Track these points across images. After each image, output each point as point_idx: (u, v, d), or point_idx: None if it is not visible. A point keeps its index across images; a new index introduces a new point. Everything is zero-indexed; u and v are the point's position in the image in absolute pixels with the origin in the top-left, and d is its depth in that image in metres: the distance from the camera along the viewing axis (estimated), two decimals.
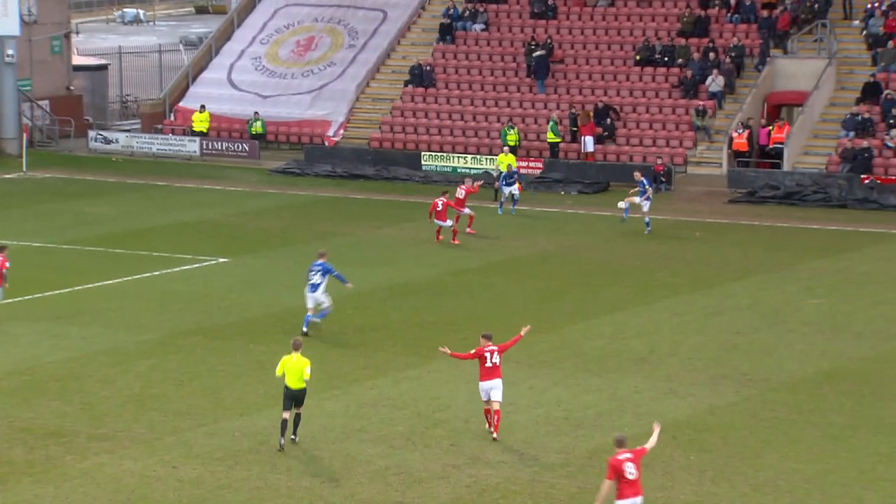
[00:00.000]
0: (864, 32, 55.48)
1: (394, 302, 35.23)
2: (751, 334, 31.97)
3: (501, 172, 48.39)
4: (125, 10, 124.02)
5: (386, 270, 38.83)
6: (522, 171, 51.62)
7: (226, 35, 65.55)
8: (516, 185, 47.16)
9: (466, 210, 43.36)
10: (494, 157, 53.90)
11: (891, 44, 54.25)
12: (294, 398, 24.18)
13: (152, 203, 50.16)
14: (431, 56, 61.07)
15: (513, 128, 55.48)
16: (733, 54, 55.97)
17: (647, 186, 43.66)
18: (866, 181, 49.49)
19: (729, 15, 58.07)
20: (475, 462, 23.61)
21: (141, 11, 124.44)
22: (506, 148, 52.59)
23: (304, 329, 31.36)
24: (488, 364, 24.75)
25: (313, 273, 31.56)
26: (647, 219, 43.54)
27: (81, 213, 48.04)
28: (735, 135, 53.25)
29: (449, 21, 61.78)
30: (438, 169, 55.25)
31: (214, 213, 48.12)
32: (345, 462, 23.65)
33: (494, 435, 24.43)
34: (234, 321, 33.30)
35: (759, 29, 56.64)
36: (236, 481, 22.79)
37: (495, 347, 25.15)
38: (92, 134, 61.69)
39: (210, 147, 59.53)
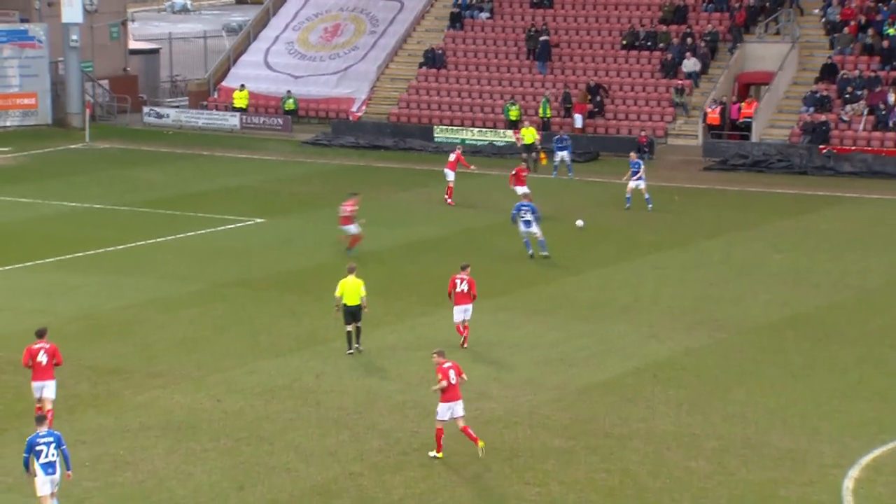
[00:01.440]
0: (823, 19, 55.01)
1: (410, 257, 35.18)
2: (722, 285, 31.86)
3: (525, 144, 48.33)
4: (175, 0, 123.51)
5: (403, 230, 38.76)
6: (523, 142, 51.37)
7: (262, 22, 65.25)
8: (566, 152, 46.80)
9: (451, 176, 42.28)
10: (498, 130, 53.73)
11: (846, 30, 53.80)
12: (352, 314, 25.86)
13: (199, 170, 50.06)
14: (443, 41, 60.73)
15: (514, 104, 55.20)
16: (708, 39, 55.56)
17: (640, 166, 41.35)
18: (824, 151, 49.17)
19: (705, 4, 57.59)
20: (481, 397, 23.61)
21: (188, 1, 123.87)
22: (527, 122, 52.24)
23: (530, 252, 33.86)
24: (459, 290, 26.59)
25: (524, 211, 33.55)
26: (646, 195, 40.68)
27: (137, 178, 47.95)
28: (709, 110, 52.91)
29: (458, 10, 61.38)
30: (448, 140, 55.03)
31: (252, 180, 48.02)
32: (367, 397, 23.68)
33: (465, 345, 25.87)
34: (270, 274, 33.29)
35: (731, 17, 56.17)
36: (273, 413, 22.85)
37: (467, 278, 26.53)
38: (146, 110, 61.51)
39: (249, 121, 59.36)
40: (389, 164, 51.54)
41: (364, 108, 59.65)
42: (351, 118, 58.90)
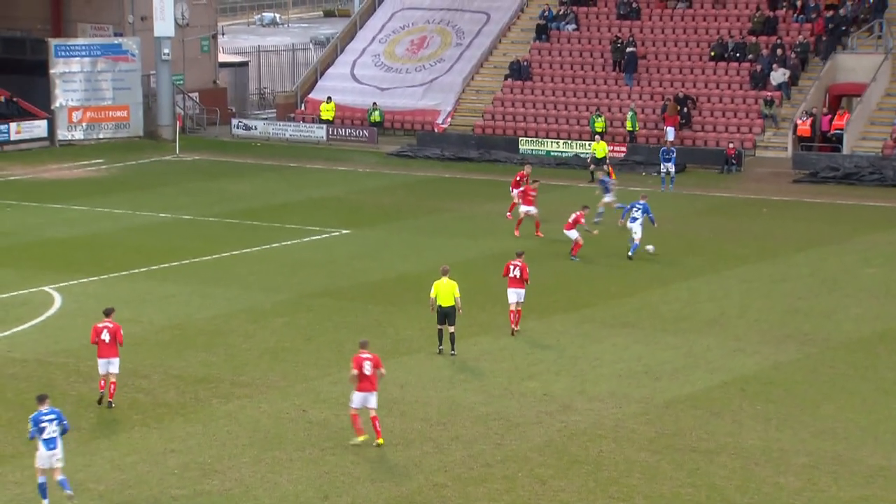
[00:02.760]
0: None
1: (494, 268, 35.10)
2: (812, 299, 31.39)
3: (597, 157, 48.25)
4: (264, 14, 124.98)
5: (487, 241, 38.75)
6: (609, 154, 51.16)
7: (349, 35, 65.77)
8: (671, 163, 46.63)
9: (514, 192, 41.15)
10: (584, 142, 53.54)
11: None
12: (445, 315, 26.41)
13: (285, 182, 50.55)
14: (528, 53, 60.69)
15: (600, 116, 55.00)
16: (798, 50, 54.83)
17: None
18: None
19: (795, 15, 56.86)
20: (565, 410, 23.50)
21: (277, 15, 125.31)
22: (597, 136, 52.26)
23: (630, 254, 34.85)
24: (511, 275, 27.56)
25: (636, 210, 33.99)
26: (600, 209, 39.45)
27: (225, 190, 48.56)
28: (799, 122, 52.20)
29: (544, 22, 61.31)
30: (534, 152, 55.00)
31: (338, 191, 48.37)
32: (451, 408, 23.69)
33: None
34: (355, 284, 33.48)
35: (825, 27, 55.37)
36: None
37: (520, 264, 27.18)
38: (234, 122, 62.29)
39: (335, 133, 59.83)
40: (474, 176, 51.57)
41: (449, 119, 59.80)
42: (436, 130, 59.09)
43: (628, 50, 57.25)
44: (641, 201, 36.07)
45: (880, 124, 51.82)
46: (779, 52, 54.90)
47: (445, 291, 26.45)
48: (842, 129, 51.50)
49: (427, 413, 23.41)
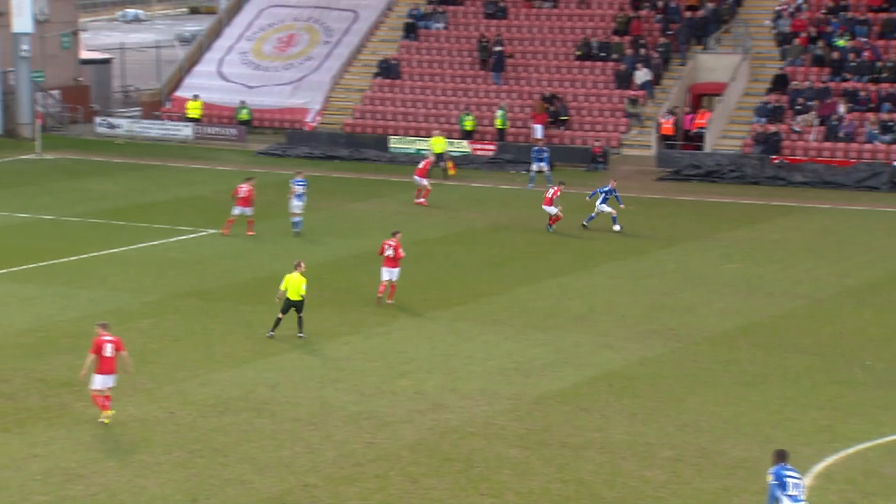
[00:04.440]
0: (774, 31, 55.57)
1: (365, 268, 35.10)
2: (676, 295, 32.05)
3: (435, 153, 48.50)
4: (127, 10, 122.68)
5: (358, 240, 38.68)
6: (478, 153, 51.60)
7: (216, 33, 64.98)
8: (545, 163, 47.11)
9: (425, 181, 43.42)
10: (454, 140, 53.79)
11: (797, 41, 54.37)
12: (293, 306, 27.34)
13: (151, 181, 49.72)
14: (397, 51, 60.77)
15: (469, 114, 55.37)
16: (661, 50, 55.96)
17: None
18: (776, 161, 49.65)
19: (657, 16, 58.01)
20: (437, 408, 23.58)
21: (141, 11, 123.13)
22: (437, 131, 52.53)
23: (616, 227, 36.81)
24: (386, 254, 28.87)
25: None
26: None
27: (89, 189, 47.55)
28: (663, 121, 53.27)
29: (413, 20, 61.47)
30: (403, 151, 55.11)
31: (206, 190, 47.76)
32: (322, 408, 23.58)
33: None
34: (225, 285, 33.11)
35: (684, 28, 56.60)
36: (227, 425, 22.69)
37: (395, 244, 28.49)
38: (98, 120, 61.05)
39: (202, 132, 59.09)
40: (344, 175, 51.44)
41: (318, 118, 59.53)
42: (305, 128, 58.76)
43: (496, 49, 57.73)
44: (609, 186, 39.23)
45: (740, 123, 53.21)
46: (641, 51, 55.95)
47: (294, 286, 27.26)
48: (703, 128, 52.72)
49: (298, 413, 23.27)
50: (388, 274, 30.36)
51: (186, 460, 21.08)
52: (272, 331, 27.73)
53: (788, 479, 17.15)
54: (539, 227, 40.69)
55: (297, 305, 27.47)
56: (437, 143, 49.97)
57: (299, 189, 39.00)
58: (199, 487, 20.09)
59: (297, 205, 38.92)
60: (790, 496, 17.09)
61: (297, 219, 38.95)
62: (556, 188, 39.79)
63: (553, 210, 39.25)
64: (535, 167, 47.57)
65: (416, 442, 21.87)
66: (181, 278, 33.75)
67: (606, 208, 39.36)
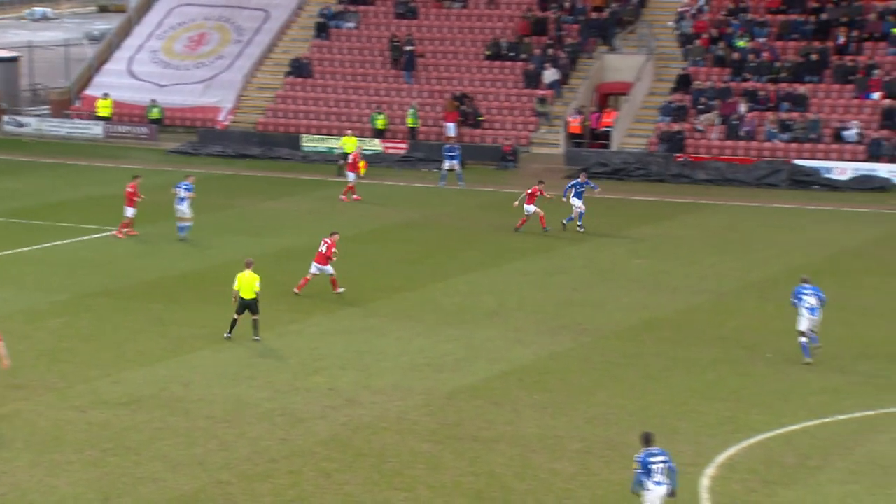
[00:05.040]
0: (677, 32, 56.38)
1: (278, 266, 34.91)
2: (585, 290, 32.37)
3: (346, 153, 48.45)
4: (35, 8, 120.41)
5: (271, 239, 38.46)
6: (390, 151, 51.64)
7: (126, 31, 64.17)
8: (456, 161, 47.10)
9: (351, 176, 44.01)
10: (365, 139, 53.73)
11: (698, 42, 55.21)
12: (247, 306, 26.88)
13: (61, 180, 48.92)
14: (309, 51, 60.53)
15: (381, 113, 55.36)
16: (569, 50, 56.46)
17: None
18: (680, 159, 50.38)
19: (564, 16, 58.50)
20: (350, 404, 23.56)
21: (49, 10, 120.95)
22: (349, 131, 52.50)
23: (567, 221, 38.24)
24: (319, 250, 28.49)
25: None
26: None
27: None
28: (571, 119, 53.76)
29: (324, 20, 61.27)
30: (316, 149, 54.95)
31: (117, 189, 46.94)
32: (236, 405, 23.42)
33: None
34: (136, 283, 32.71)
35: (589, 29, 57.18)
36: (139, 423, 22.44)
37: (329, 242, 28.75)
38: (6, 118, 59.97)
39: (113, 130, 58.37)
40: (257, 173, 51.10)
41: (231, 117, 59.06)
42: (217, 127, 58.26)
43: (407, 49, 57.77)
44: (579, 179, 39.55)
45: (645, 122, 53.89)
46: (550, 51, 56.39)
47: (247, 284, 26.81)
48: (610, 127, 53.30)
49: (212, 411, 23.09)
50: (316, 268, 30.58)
51: (98, 459, 20.81)
52: (229, 332, 27.14)
53: (653, 465, 17.38)
54: (452, 225, 40.82)
55: (252, 305, 26.90)
56: (348, 143, 49.92)
57: (181, 192, 37.48)
58: (112, 486, 19.84)
59: (179, 209, 37.45)
60: (655, 482, 17.35)
61: (181, 224, 37.44)
62: (535, 187, 39.36)
63: (532, 209, 38.82)
64: (446, 165, 47.73)
65: (330, 437, 21.83)
66: (92, 277, 33.28)
67: (578, 203, 39.05)
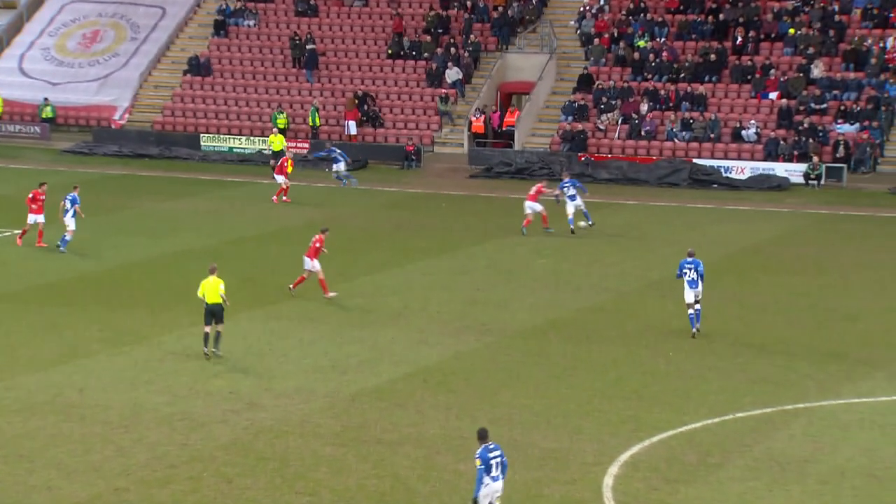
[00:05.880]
0: (578, 31, 56.93)
1: (177, 267, 34.49)
2: (489, 290, 32.51)
3: (273, 151, 48.15)
4: None
5: (170, 240, 37.97)
6: (291, 150, 51.29)
7: (16, 28, 62.91)
8: (342, 164, 47.17)
9: (280, 179, 43.83)
10: (266, 139, 53.38)
11: (599, 41, 55.82)
12: (213, 313, 25.74)
13: None
14: (207, 48, 59.91)
15: (282, 112, 55.02)
16: (470, 49, 56.67)
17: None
18: (582, 158, 50.88)
19: (466, 15, 58.72)
20: (252, 407, 23.35)
21: None
22: (275, 129, 52.41)
23: (573, 226, 36.76)
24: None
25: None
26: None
27: None
28: (473, 119, 53.97)
29: (222, 17, 60.70)
30: (216, 149, 54.42)
31: (9, 189, 46.11)
32: (133, 410, 23.07)
33: None
34: (29, 286, 32.04)
35: (491, 28, 57.48)
36: (32, 430, 21.99)
37: (317, 237, 28.73)
38: None
39: (3, 130, 57.13)
40: (154, 173, 50.43)
41: (127, 115, 58.21)
42: (113, 126, 57.36)
43: (308, 47, 57.50)
44: (567, 179, 39.29)
45: (548, 121, 54.34)
46: (452, 50, 56.56)
47: (212, 289, 25.91)
48: (513, 126, 53.62)
49: (108, 416, 22.71)
50: (308, 265, 30.56)
51: None
52: (206, 347, 25.87)
53: (492, 461, 17.71)
54: (355, 226, 40.69)
55: (217, 311, 25.73)
56: (276, 141, 49.81)
57: (67, 205, 35.89)
58: (3, 494, 19.40)
59: (67, 221, 35.73)
60: (492, 477, 17.66)
61: (66, 235, 35.82)
62: (539, 185, 39.51)
63: (538, 207, 38.62)
64: (334, 167, 47.44)
65: (231, 442, 21.62)
66: None
67: (579, 203, 38.96)
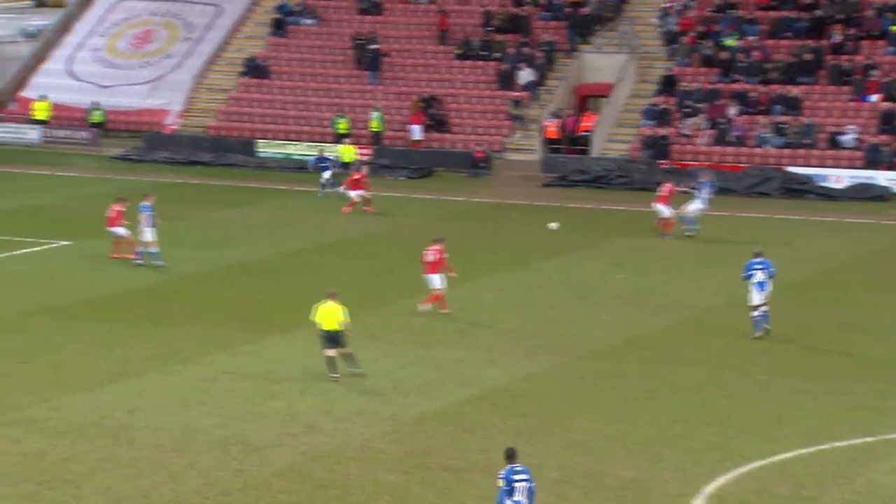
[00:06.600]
0: (662, 30, 56.71)
1: (231, 281, 34.86)
2: (562, 307, 32.47)
3: (343, 163, 48.49)
4: None
5: (223, 251, 38.39)
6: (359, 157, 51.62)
7: (65, 27, 63.93)
8: (328, 171, 47.24)
9: (353, 194, 43.82)
10: (325, 145, 53.66)
11: (684, 40, 55.55)
12: (330, 339, 26.08)
13: None
14: (265, 49, 60.48)
15: (343, 117, 55.37)
16: (545, 49, 56.68)
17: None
18: (664, 166, 50.64)
19: (540, 13, 58.76)
20: (310, 430, 23.52)
21: None
22: (346, 140, 52.41)
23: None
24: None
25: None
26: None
27: None
28: (547, 123, 53.94)
29: (281, 16, 61.27)
30: (272, 155, 54.85)
31: (56, 198, 46.92)
32: (185, 433, 23.34)
33: None
34: (78, 301, 32.56)
35: (568, 26, 57.45)
36: (80, 453, 22.32)
37: (435, 248, 29.78)
38: None
39: (51, 135, 58.10)
40: (208, 181, 51.01)
41: (179, 120, 58.92)
42: (165, 131, 58.10)
43: (371, 47, 57.82)
44: (707, 180, 40.32)
45: (627, 126, 54.14)
46: (525, 50, 56.60)
47: (329, 315, 26.13)
48: (589, 131, 53.51)
49: (158, 439, 23.00)
50: (436, 282, 30.93)
51: (34, 493, 20.68)
52: (333, 373, 26.05)
53: (517, 484, 17.74)
54: (418, 238, 40.82)
55: (336, 338, 26.02)
56: (346, 152, 50.00)
57: (143, 217, 35.84)
58: None
59: (146, 232, 35.76)
60: (515, 501, 17.66)
61: (154, 249, 35.81)
62: (669, 185, 40.23)
63: (668, 212, 39.69)
64: (325, 176, 47.09)
65: (288, 468, 21.78)
66: (29, 294, 33.10)
67: (703, 207, 39.94)
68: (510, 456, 18.03)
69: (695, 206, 40.59)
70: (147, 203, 36.48)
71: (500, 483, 17.77)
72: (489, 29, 58.01)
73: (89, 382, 26.14)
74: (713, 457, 22.42)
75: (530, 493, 17.83)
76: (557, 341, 29.41)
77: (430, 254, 31.24)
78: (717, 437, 23.39)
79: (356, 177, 44.50)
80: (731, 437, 23.39)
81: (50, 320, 30.64)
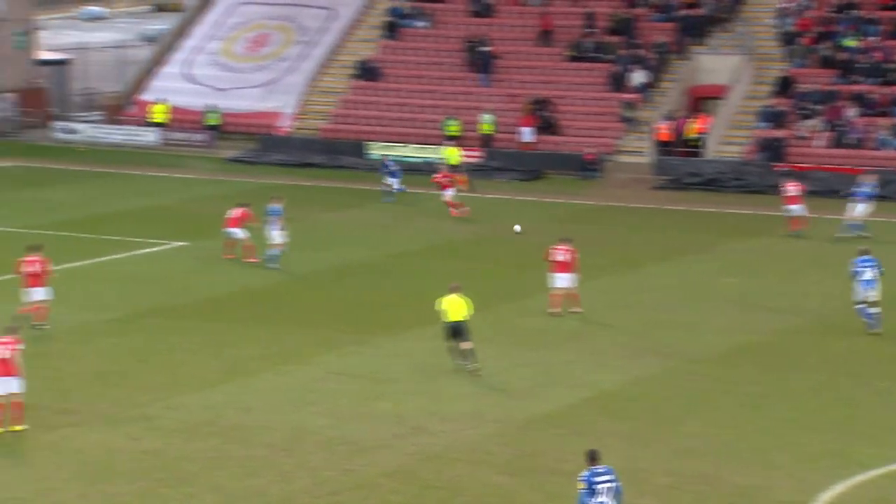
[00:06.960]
0: (778, 30, 55.90)
1: (339, 282, 35.17)
2: (674, 311, 32.19)
3: (450, 166, 48.59)
4: (87, 7, 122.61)
5: (333, 253, 38.75)
6: (464, 160, 51.76)
7: (182, 32, 65.08)
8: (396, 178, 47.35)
9: (449, 192, 43.93)
10: (437, 147, 53.88)
11: (802, 41, 54.69)
12: (455, 330, 26.41)
13: (114, 190, 49.70)
14: (377, 52, 60.93)
15: (454, 119, 55.51)
16: (658, 50, 56.24)
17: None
18: (780, 169, 49.90)
19: (653, 14, 58.32)
20: (418, 432, 23.62)
21: (102, 9, 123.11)
22: (452, 142, 52.56)
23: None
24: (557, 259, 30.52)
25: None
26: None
27: (45, 199, 47.44)
28: (659, 126, 53.50)
29: (394, 19, 61.67)
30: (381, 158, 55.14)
31: (173, 200, 47.79)
32: (295, 433, 23.61)
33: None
34: (194, 301, 33.11)
35: (680, 27, 56.93)
36: (194, 452, 22.70)
37: (563, 248, 30.29)
38: (56, 125, 61.03)
39: (168, 137, 59.19)
40: (320, 183, 51.53)
41: (293, 122, 59.63)
42: (279, 133, 58.84)
43: (482, 49, 57.90)
44: (872, 182, 40.45)
45: (741, 128, 53.48)
46: (637, 52, 56.20)
47: (455, 306, 26.68)
48: (703, 134, 52.95)
49: (271, 439, 23.29)
50: (561, 281, 30.83)
51: (150, 490, 21.07)
52: (461, 360, 26.56)
53: (598, 485, 17.59)
54: (526, 240, 40.78)
55: (460, 330, 26.35)
56: (452, 155, 50.09)
57: (274, 218, 36.64)
58: None
59: (274, 234, 36.45)
60: (599, 502, 17.49)
61: (276, 251, 36.36)
62: (796, 183, 41.09)
63: (799, 210, 40.26)
64: (388, 182, 46.94)
65: (396, 469, 21.90)
66: (146, 294, 33.74)
67: (867, 210, 40.14)
68: (592, 458, 18.00)
69: (861, 210, 40.60)
70: (276, 205, 36.97)
71: (581, 486, 17.74)
72: (594, 31, 57.67)
73: (203, 382, 26.58)
74: (829, 464, 22.04)
75: (616, 493, 17.73)
76: (668, 345, 29.16)
77: (560, 253, 31.18)
78: (834, 443, 22.99)
79: (439, 177, 44.25)
80: (847, 443, 22.97)
81: (166, 320, 31.20)
